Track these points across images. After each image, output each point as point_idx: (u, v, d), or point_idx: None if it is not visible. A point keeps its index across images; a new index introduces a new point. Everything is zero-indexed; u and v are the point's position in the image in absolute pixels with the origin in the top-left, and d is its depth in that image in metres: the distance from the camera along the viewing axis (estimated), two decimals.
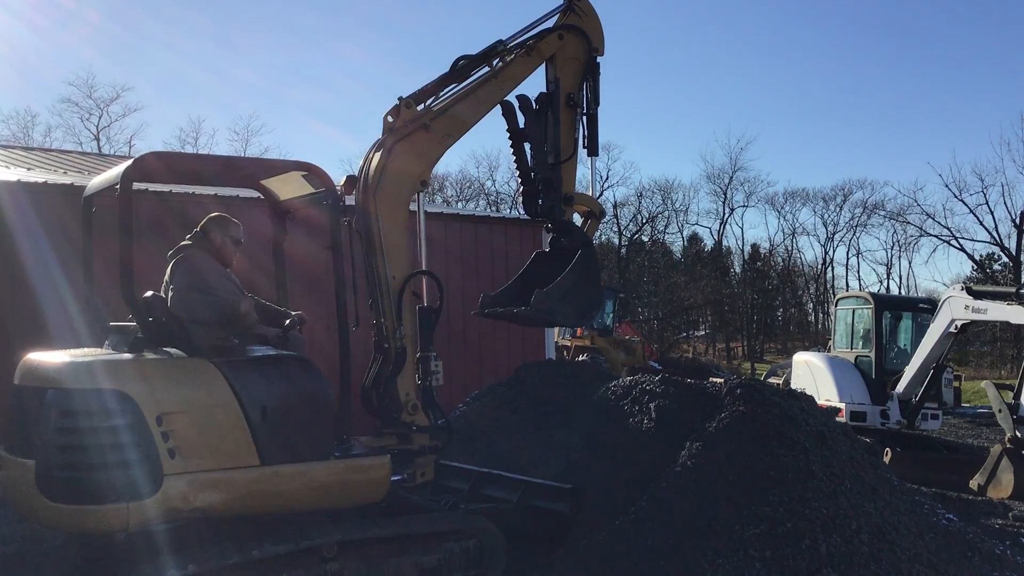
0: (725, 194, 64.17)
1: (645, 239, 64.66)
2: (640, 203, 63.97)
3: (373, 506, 6.15)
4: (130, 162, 5.75)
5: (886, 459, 12.49)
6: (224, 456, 5.46)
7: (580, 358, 24.25)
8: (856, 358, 15.36)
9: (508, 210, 54.72)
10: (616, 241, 62.88)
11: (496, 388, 10.28)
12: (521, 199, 7.92)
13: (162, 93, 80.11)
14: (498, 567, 6.51)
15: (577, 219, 8.31)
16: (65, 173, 14.50)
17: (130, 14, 76.93)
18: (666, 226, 65.92)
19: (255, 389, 5.61)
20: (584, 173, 7.92)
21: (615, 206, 62.87)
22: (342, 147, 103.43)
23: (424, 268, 7.06)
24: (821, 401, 13.16)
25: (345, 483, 5.95)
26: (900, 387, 14.10)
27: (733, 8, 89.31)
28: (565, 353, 26.57)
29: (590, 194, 8.38)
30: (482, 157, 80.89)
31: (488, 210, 52.10)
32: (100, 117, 54.78)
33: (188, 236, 6.29)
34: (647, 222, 64.42)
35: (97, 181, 6.30)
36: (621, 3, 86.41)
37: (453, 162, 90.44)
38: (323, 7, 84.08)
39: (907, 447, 13.60)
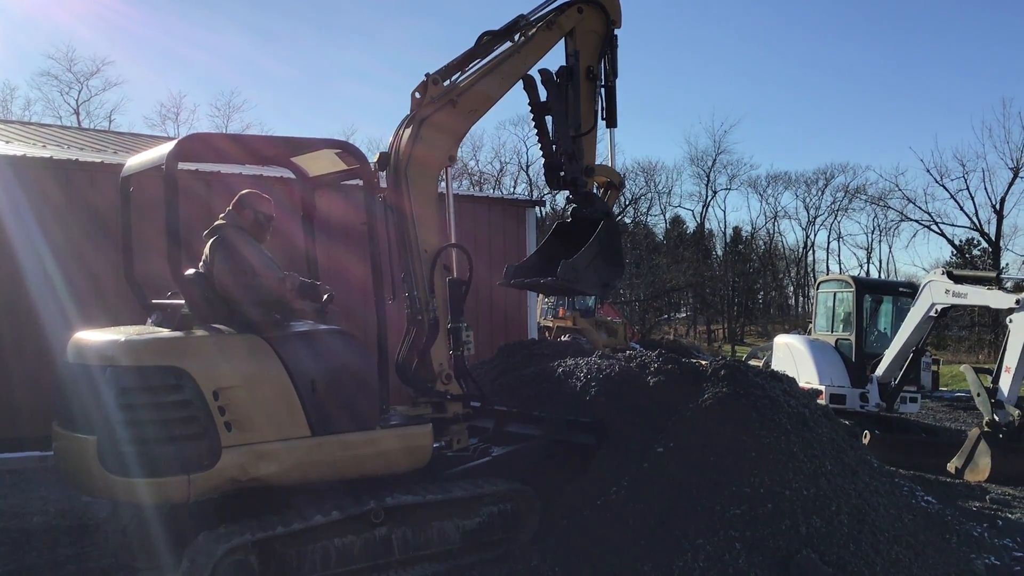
0: (708, 177, 64.47)
1: (628, 221, 64.73)
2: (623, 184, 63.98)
3: (419, 470, 6.45)
4: (174, 143, 5.83)
5: (865, 441, 12.57)
6: (277, 428, 5.71)
7: (562, 339, 24.28)
8: (836, 341, 15.43)
9: (492, 190, 54.64)
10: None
11: (478, 368, 10.25)
12: (544, 172, 8.04)
13: (142, 67, 79.39)
14: (531, 528, 6.83)
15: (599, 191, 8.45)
16: (44, 147, 14.35)
17: None
18: (649, 208, 66.20)
19: (304, 363, 5.86)
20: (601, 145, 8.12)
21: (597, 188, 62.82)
22: (322, 127, 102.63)
23: (453, 240, 7.12)
24: (802, 383, 13.21)
25: (391, 451, 6.24)
26: (880, 370, 14.19)
27: None
28: (547, 334, 26.61)
29: (609, 165, 8.44)
30: (470, 135, 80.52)
31: (472, 190, 52.00)
32: (80, 91, 54.42)
33: (221, 215, 6.36)
34: (630, 204, 64.55)
35: (136, 162, 6.40)
36: None
37: None
38: None
39: (886, 430, 13.70)
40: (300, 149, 6.84)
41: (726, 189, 65.88)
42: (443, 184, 7.38)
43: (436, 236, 6.93)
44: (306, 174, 7.12)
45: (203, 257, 6.25)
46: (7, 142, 14.49)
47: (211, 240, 6.22)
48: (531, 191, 58.83)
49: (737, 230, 67.60)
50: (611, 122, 8.17)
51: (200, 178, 12.39)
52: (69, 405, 5.78)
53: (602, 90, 8.05)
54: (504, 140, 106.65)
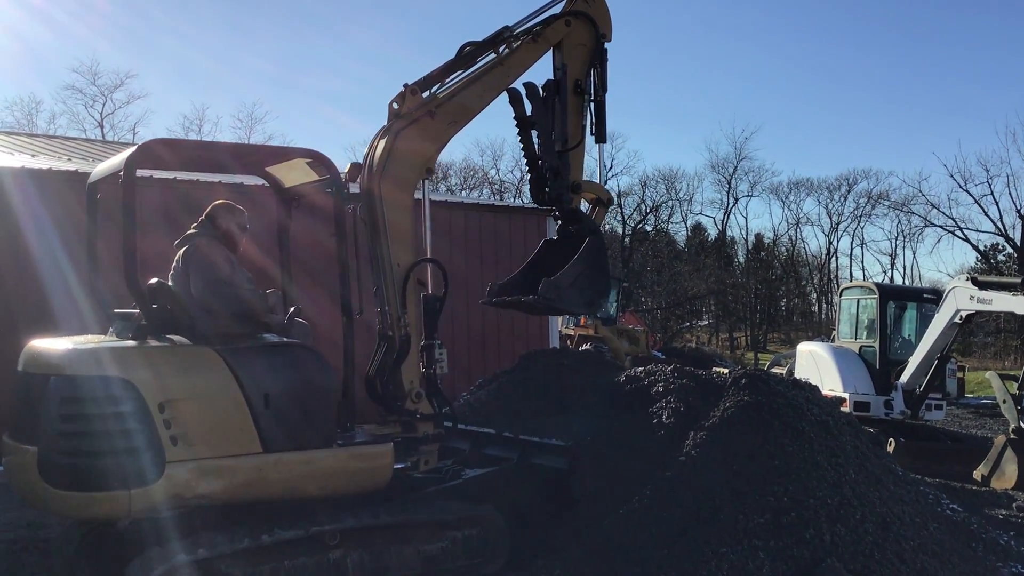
0: (729, 184, 64.19)
1: (649, 228, 64.64)
2: (644, 192, 63.87)
3: (379, 491, 6.17)
4: (134, 149, 5.74)
5: (890, 449, 12.49)
6: (227, 443, 5.49)
7: (584, 347, 24.25)
8: (860, 348, 15.34)
9: (512, 198, 54.67)
10: (620, 230, 62.83)
11: (500, 376, 10.28)
12: (528, 187, 7.86)
13: (166, 80, 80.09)
14: (500, 557, 6.52)
15: (587, 207, 8.29)
16: (69, 160, 14.52)
17: (135, 1, 76.76)
18: (670, 215, 65.96)
19: (258, 377, 5.64)
20: (590, 161, 7.93)
21: (619, 195, 62.76)
22: (349, 133, 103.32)
23: (429, 256, 7.04)
24: (825, 391, 13.14)
25: (348, 471, 5.98)
26: (904, 377, 14.09)
27: None
28: (569, 342, 26.57)
29: (597, 181, 8.34)
30: (486, 145, 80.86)
31: (492, 198, 52.06)
32: (104, 104, 54.85)
33: (194, 224, 6.29)
34: (651, 211, 64.48)
35: (102, 168, 6.31)
36: None
37: (457, 150, 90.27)
38: None
39: (911, 437, 13.59)
40: (272, 158, 6.74)
41: (747, 196, 65.69)
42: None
43: (410, 250, 6.76)
44: (281, 184, 6.97)
45: (172, 267, 6.14)
46: (33, 155, 14.65)
47: (182, 250, 6.11)
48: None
49: (759, 237, 67.35)
50: (600, 138, 7.95)
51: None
52: (20, 416, 5.64)
53: (591, 105, 7.84)
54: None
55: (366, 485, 6.10)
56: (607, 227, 62.78)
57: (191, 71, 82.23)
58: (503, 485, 6.88)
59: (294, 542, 5.68)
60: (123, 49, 78.83)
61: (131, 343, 5.56)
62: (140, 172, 5.93)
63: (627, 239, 62.04)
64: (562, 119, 7.55)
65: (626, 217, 63.19)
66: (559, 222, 7.80)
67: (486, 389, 10.11)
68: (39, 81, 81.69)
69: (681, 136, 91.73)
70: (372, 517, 6.03)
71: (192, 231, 6.22)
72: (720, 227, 65.60)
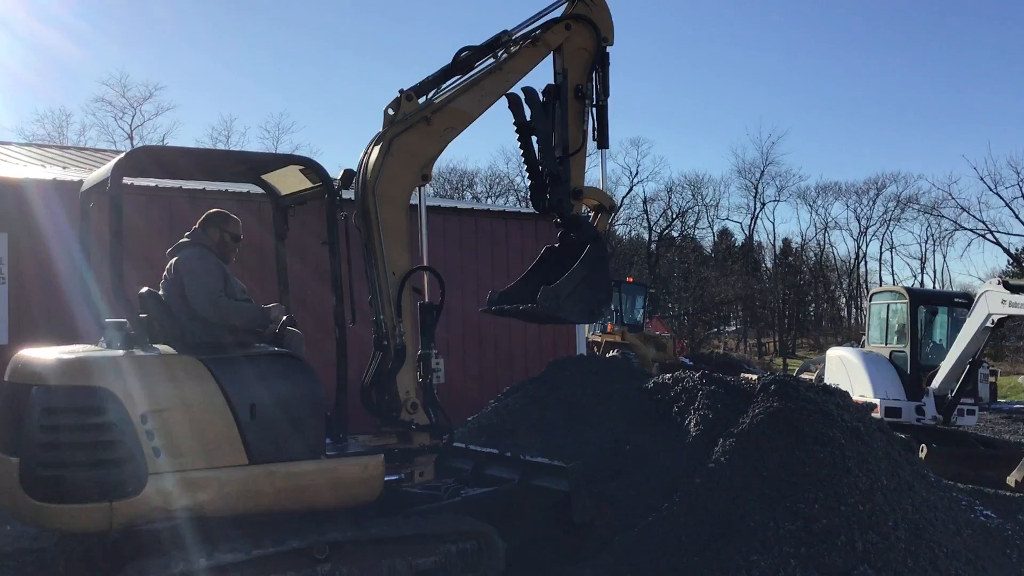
0: (756, 188, 63.93)
1: (675, 234, 64.46)
2: (670, 198, 63.79)
3: (370, 503, 6.03)
4: (120, 156, 5.70)
5: (922, 455, 12.36)
6: (211, 455, 5.38)
7: (611, 354, 24.21)
8: (891, 353, 15.20)
9: None
10: (646, 236, 62.79)
11: (528, 384, 10.28)
12: (529, 194, 7.73)
13: (194, 92, 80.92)
14: (495, 570, 6.35)
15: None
16: None
17: (162, 13, 77.70)
18: (696, 221, 65.81)
19: (244, 387, 5.53)
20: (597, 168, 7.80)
21: (644, 201, 62.76)
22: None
23: (425, 264, 6.91)
24: (856, 397, 13.02)
25: (336, 483, 5.84)
26: (936, 383, 13.95)
27: (762, 1, 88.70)
28: (595, 349, 26.53)
29: (600, 187, 8.18)
30: (512, 153, 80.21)
31: (519, 206, 52.09)
32: (133, 116, 55.56)
33: (187, 233, 6.23)
34: (677, 217, 64.36)
35: (93, 176, 6.25)
36: None
37: (483, 158, 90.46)
38: (356, 4, 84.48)
39: (943, 443, 13.45)
40: (264, 165, 6.66)
41: (775, 201, 65.34)
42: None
43: (405, 258, 6.63)
44: (278, 192, 6.87)
45: (163, 275, 6.08)
46: (64, 168, 14.84)
47: (174, 259, 6.04)
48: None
49: (787, 242, 66.99)
50: (603, 143, 7.80)
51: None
52: (5, 426, 5.56)
53: (593, 110, 7.70)
54: None
55: (356, 497, 5.94)
56: (632, 234, 62.79)
57: (218, 83, 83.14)
58: (503, 506, 6.69)
59: (279, 556, 5.51)
60: (151, 61, 79.92)
61: (113, 353, 5.45)
62: (144, 181, 5.86)
63: (653, 245, 61.92)
64: (562, 124, 7.45)
65: (652, 223, 63.11)
66: (560, 229, 7.68)
67: (513, 397, 10.11)
68: (69, 94, 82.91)
69: (707, 141, 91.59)
70: (362, 529, 5.87)
71: (184, 240, 6.16)
72: (747, 232, 65.40)
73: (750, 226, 64.90)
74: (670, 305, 55.28)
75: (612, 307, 28.46)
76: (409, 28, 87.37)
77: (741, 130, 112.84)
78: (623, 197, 61.98)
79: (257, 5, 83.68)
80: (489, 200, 58.50)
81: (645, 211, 62.98)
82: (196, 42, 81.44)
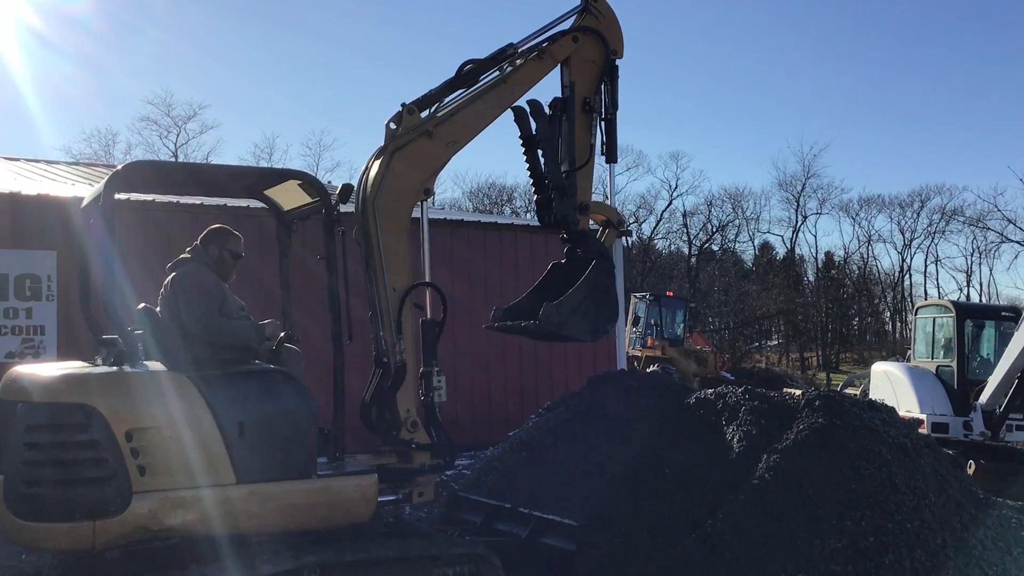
0: (798, 201, 63.37)
1: (715, 248, 64.09)
2: (710, 211, 63.45)
3: (365, 527, 5.90)
4: (116, 171, 5.61)
5: (970, 472, 12.18)
6: (197, 474, 5.24)
7: (651, 369, 24.11)
8: (937, 368, 15.00)
9: None
10: (686, 250, 62.50)
11: (568, 400, 10.27)
12: (535, 208, 7.56)
13: (237, 110, 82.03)
14: None
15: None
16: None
17: (206, 33, 79.03)
18: (737, 234, 65.36)
19: (232, 404, 5.42)
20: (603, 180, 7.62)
21: (684, 215, 62.48)
22: None
23: (428, 279, 6.75)
24: (902, 412, 12.86)
25: (327, 503, 5.68)
26: (983, 397, 13.74)
27: (805, 11, 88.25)
28: (636, 364, 26.44)
29: (608, 202, 8.06)
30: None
31: None
32: (178, 135, 56.39)
33: (188, 249, 6.18)
34: (717, 231, 63.95)
35: (93, 192, 6.19)
36: (692, 8, 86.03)
37: (522, 173, 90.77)
38: (396, 23, 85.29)
39: (992, 459, 13.23)
40: (263, 180, 6.58)
41: (816, 214, 64.64)
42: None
43: (406, 274, 6.48)
44: (281, 208, 6.75)
45: (161, 292, 6.01)
46: None
47: (171, 275, 5.97)
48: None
49: (829, 255, 66.25)
50: (611, 157, 7.67)
51: None
52: None
53: (601, 123, 7.57)
54: None
55: (347, 518, 5.78)
56: (672, 247, 62.56)
57: (260, 101, 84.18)
58: (506, 560, 6.35)
59: None
60: (195, 80, 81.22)
61: (100, 370, 5.39)
62: (146, 197, 5.71)
63: (693, 259, 61.61)
64: (569, 137, 7.34)
65: (692, 237, 62.83)
66: (567, 244, 7.55)
67: (554, 413, 10.10)
68: (115, 114, 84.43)
69: (748, 154, 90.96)
70: (356, 552, 5.69)
71: (184, 256, 6.11)
72: (788, 245, 64.83)
73: (791, 239, 64.41)
74: (711, 319, 54.92)
75: (650, 323, 28.39)
76: (451, 47, 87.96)
77: (782, 143, 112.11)
78: (662, 211, 61.91)
79: (299, 24, 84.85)
80: (528, 215, 58.62)
81: (685, 225, 62.75)
82: (238, 61, 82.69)
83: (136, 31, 74.79)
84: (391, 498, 6.18)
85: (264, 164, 56.80)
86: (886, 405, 8.52)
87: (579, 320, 6.97)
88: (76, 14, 71.17)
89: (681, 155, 59.90)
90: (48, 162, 20.99)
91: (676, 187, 62.22)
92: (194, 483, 5.23)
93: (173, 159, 54.05)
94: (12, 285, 12.72)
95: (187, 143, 56.69)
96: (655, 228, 62.16)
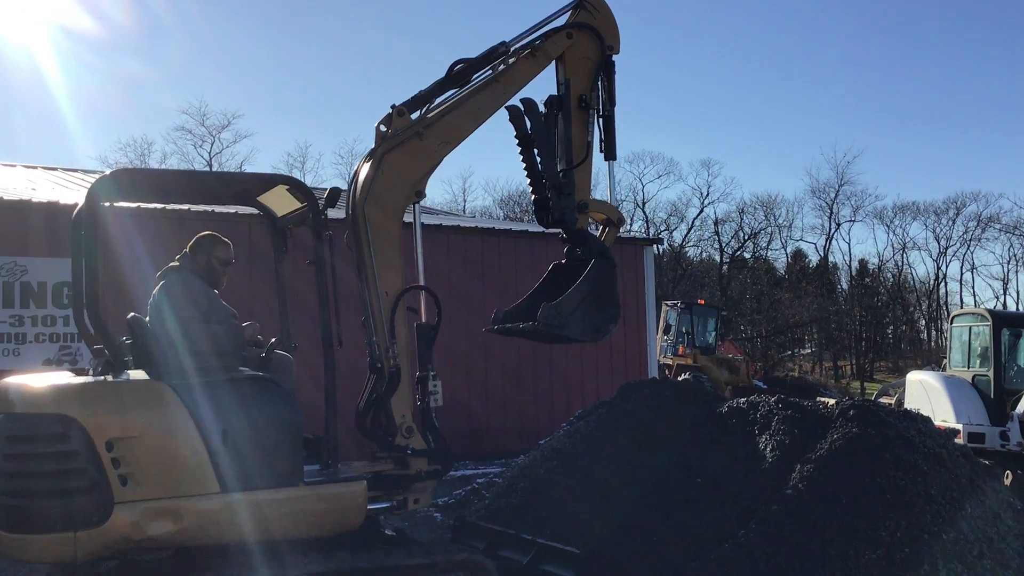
0: (831, 209, 62.84)
1: (747, 256, 63.69)
2: (742, 219, 63.08)
3: (364, 536, 5.84)
4: (99, 179, 5.58)
5: (1007, 482, 12.01)
6: (180, 483, 5.19)
7: (682, 377, 24.00)
8: (973, 377, 14.83)
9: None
10: (717, 258, 62.18)
11: (600, 408, 10.26)
12: (533, 208, 7.44)
13: (270, 119, 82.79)
14: None
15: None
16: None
17: (240, 42, 79.85)
18: (769, 242, 64.90)
19: (216, 413, 5.33)
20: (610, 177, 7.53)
21: (716, 222, 62.19)
22: (450, 166, 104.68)
23: (422, 283, 6.64)
24: (937, 422, 12.72)
25: (314, 511, 5.58)
26: (1021, 407, 13.58)
27: (838, 18, 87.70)
28: (667, 372, 26.33)
29: (608, 200, 7.95)
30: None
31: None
32: (212, 144, 56.94)
33: (177, 256, 6.16)
34: (749, 238, 63.53)
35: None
36: (724, 15, 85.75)
37: None
38: (429, 34, 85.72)
39: None
40: (252, 185, 6.52)
41: (850, 221, 64.05)
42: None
43: (398, 278, 6.41)
44: (274, 214, 6.71)
45: (149, 300, 5.97)
46: None
47: (160, 283, 5.95)
48: (647, 229, 58.53)
49: (863, 263, 65.61)
50: (609, 155, 7.54)
51: None
52: None
53: (599, 120, 7.45)
54: (619, 177, 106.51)
55: (335, 526, 5.68)
56: (703, 255, 62.26)
57: (293, 109, 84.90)
58: None
59: None
60: (229, 90, 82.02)
61: (80, 379, 5.35)
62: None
63: (725, 266, 61.28)
64: (565, 135, 7.23)
65: (724, 244, 62.51)
66: (567, 244, 7.46)
67: (585, 421, 10.10)
68: (150, 123, 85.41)
69: (780, 162, 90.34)
70: (346, 560, 5.60)
71: (172, 264, 6.09)
72: (821, 253, 64.31)
73: (825, 247, 63.87)
74: (742, 327, 54.57)
75: (682, 331, 28.24)
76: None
77: (815, 150, 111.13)
78: (694, 219, 61.65)
79: (331, 34, 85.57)
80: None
81: (716, 232, 62.44)
82: (272, 70, 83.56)
83: (170, 39, 75.80)
84: (383, 505, 6.13)
85: (297, 173, 57.18)
86: (921, 415, 8.43)
87: (579, 320, 6.87)
88: (110, 24, 72.16)
89: (712, 162, 59.72)
90: (85, 171, 21.29)
91: (708, 194, 61.93)
92: (177, 492, 5.17)
93: (208, 168, 54.69)
94: (50, 293, 12.95)
95: (221, 152, 57.31)
96: (686, 236, 62.00)
